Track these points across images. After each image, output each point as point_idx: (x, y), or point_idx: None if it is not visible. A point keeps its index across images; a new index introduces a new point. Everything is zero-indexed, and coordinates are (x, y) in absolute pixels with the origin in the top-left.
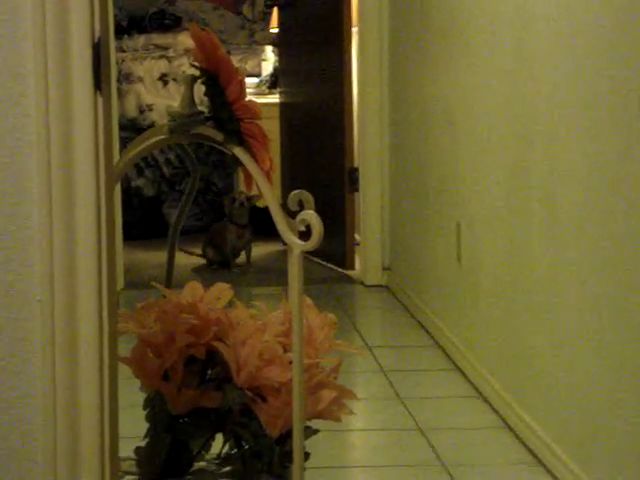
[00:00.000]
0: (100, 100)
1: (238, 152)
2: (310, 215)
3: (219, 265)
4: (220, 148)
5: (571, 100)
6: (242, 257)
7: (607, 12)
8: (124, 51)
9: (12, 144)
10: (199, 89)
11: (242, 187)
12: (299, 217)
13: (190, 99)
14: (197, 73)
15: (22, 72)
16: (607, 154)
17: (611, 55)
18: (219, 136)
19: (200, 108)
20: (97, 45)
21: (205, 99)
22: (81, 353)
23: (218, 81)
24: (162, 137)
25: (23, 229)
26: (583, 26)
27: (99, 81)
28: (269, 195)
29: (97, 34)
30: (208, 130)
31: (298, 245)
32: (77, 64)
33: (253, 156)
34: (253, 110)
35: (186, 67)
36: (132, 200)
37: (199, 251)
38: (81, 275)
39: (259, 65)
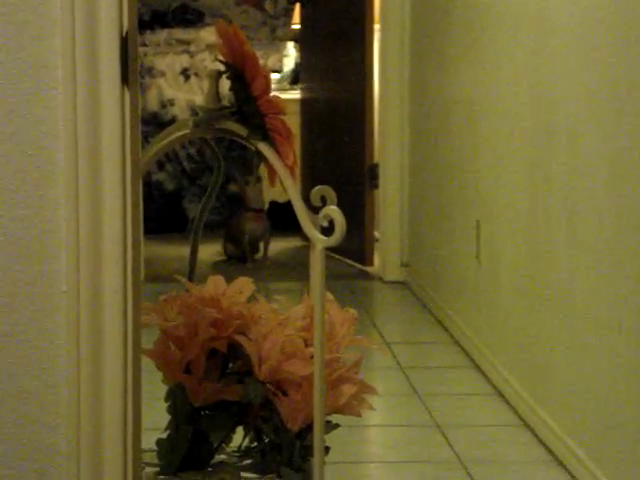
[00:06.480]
0: (127, 94)
1: (262, 147)
2: (333, 211)
3: (237, 260)
4: (244, 143)
5: (594, 99)
6: (261, 252)
7: (632, 13)
8: (146, 45)
9: (39, 136)
10: (222, 84)
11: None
12: (323, 212)
13: (215, 94)
14: (222, 68)
15: (50, 65)
16: (630, 153)
17: (635, 55)
18: (243, 131)
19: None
20: (125, 39)
21: (227, 94)
22: (106, 344)
23: (243, 76)
24: (187, 131)
25: (49, 221)
26: (606, 24)
27: (126, 75)
28: (293, 190)
29: (125, 28)
30: (233, 125)
31: (321, 241)
32: (105, 58)
33: (277, 151)
34: (278, 105)
35: (208, 62)
36: (152, 194)
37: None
38: (106, 267)
39: (280, 61)
